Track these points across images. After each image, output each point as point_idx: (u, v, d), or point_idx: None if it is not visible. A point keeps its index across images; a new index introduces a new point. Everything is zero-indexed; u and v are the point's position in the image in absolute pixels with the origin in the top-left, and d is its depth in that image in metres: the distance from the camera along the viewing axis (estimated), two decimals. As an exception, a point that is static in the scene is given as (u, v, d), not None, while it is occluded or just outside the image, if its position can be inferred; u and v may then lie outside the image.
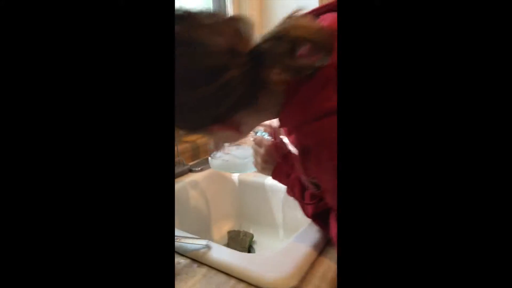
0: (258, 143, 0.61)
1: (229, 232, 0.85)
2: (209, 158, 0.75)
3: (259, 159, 0.61)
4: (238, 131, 0.41)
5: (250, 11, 1.16)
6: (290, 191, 0.59)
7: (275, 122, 0.45)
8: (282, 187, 0.81)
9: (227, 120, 0.39)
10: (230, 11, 1.11)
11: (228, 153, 0.72)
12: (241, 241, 0.83)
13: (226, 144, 0.71)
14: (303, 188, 0.55)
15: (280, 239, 0.84)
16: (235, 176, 0.89)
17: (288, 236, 0.82)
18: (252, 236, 0.84)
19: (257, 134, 0.64)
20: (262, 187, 0.85)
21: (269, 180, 0.83)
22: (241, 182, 0.89)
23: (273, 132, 0.61)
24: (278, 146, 0.59)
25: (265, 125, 0.62)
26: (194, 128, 0.41)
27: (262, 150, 0.60)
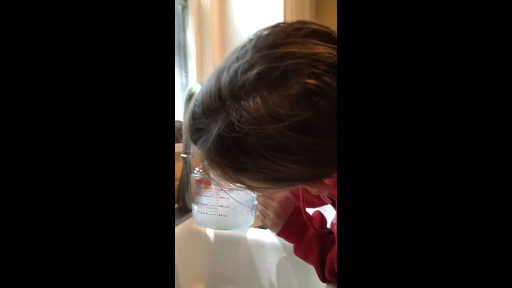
0: (270, 195, 0.53)
1: (205, 299, 0.72)
2: (194, 210, 0.65)
3: (271, 214, 0.53)
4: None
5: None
6: (303, 252, 0.51)
7: None
8: (266, 241, 0.73)
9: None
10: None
11: (220, 206, 0.62)
12: (220, 309, 0.70)
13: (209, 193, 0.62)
14: (322, 247, 0.49)
15: (265, 302, 0.73)
16: (210, 231, 0.78)
17: (274, 297, 0.72)
18: (233, 302, 0.72)
19: None
20: (243, 243, 0.75)
21: (252, 234, 0.74)
22: (217, 236, 0.77)
23: None
24: (291, 198, 0.52)
25: None
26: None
27: (275, 204, 0.52)
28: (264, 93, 0.28)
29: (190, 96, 0.75)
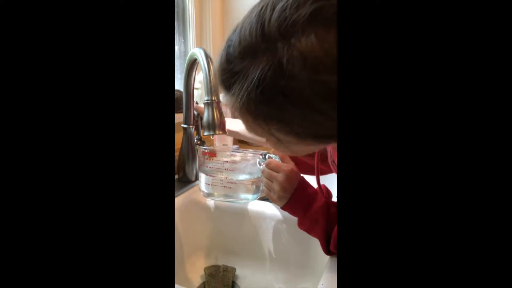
0: (275, 168, 0.52)
1: (206, 269, 0.72)
2: (201, 182, 0.63)
3: (276, 187, 0.51)
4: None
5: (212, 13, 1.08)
6: (308, 225, 0.51)
7: None
8: (267, 213, 0.72)
9: None
10: (192, 13, 1.02)
11: (225, 178, 0.61)
12: (222, 278, 0.70)
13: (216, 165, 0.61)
14: (328, 219, 0.48)
15: (266, 271, 0.73)
16: (211, 202, 0.77)
17: (275, 268, 0.73)
18: (235, 271, 0.72)
19: (266, 156, 0.55)
20: (242, 213, 0.74)
21: (252, 205, 0.73)
22: (217, 206, 0.77)
23: (284, 157, 0.53)
24: (296, 171, 0.51)
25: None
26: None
27: (280, 176, 0.51)
28: (320, 31, 0.24)
29: (191, 63, 0.72)
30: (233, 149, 0.70)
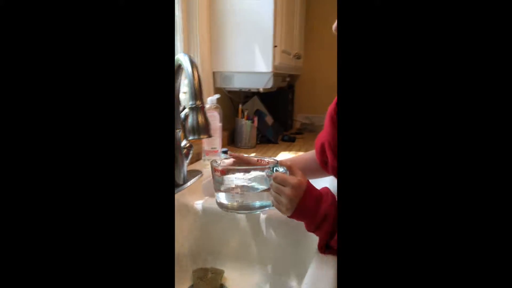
0: (281, 182, 0.53)
1: (194, 272, 0.72)
2: (218, 195, 0.63)
3: (284, 200, 0.53)
4: None
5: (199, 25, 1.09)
6: (314, 225, 0.53)
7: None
8: (255, 215, 0.73)
9: None
10: (179, 24, 1.03)
11: (241, 191, 0.62)
12: (210, 281, 0.71)
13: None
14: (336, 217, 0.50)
15: (254, 273, 0.74)
16: (199, 205, 0.78)
17: (263, 270, 0.73)
18: (223, 273, 0.73)
19: (274, 169, 0.56)
20: (230, 216, 0.75)
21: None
22: (206, 210, 0.78)
23: (291, 167, 0.55)
24: (302, 182, 0.53)
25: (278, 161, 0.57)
26: None
27: (287, 190, 0.53)
28: None
29: (176, 68, 0.73)
30: (228, 155, 0.70)
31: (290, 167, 0.56)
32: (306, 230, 0.55)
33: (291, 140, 1.51)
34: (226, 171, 0.63)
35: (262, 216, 0.71)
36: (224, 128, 1.33)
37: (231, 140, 1.43)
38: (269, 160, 0.65)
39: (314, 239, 0.56)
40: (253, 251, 0.75)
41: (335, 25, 0.52)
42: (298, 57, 1.51)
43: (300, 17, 1.59)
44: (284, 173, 0.55)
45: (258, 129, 1.40)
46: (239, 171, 0.64)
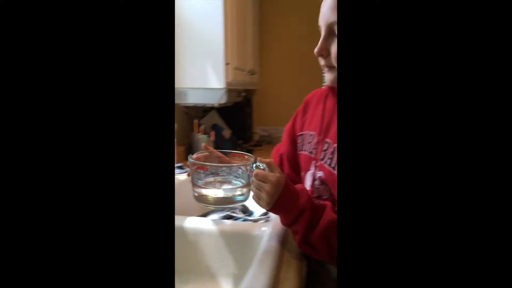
0: (262, 178, 0.57)
1: None
2: (196, 190, 0.66)
3: (264, 196, 0.57)
4: None
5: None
6: (291, 219, 0.58)
7: None
8: (204, 229, 0.75)
9: None
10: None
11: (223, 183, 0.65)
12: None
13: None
14: (313, 211, 0.56)
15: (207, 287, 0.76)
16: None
17: (217, 282, 0.75)
18: None
19: (254, 166, 0.60)
20: (179, 231, 0.77)
21: (189, 223, 0.76)
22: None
23: (270, 164, 0.59)
24: (281, 179, 0.57)
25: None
26: None
27: (267, 186, 0.57)
28: None
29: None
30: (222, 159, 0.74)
31: (269, 164, 0.60)
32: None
33: (249, 152, 1.55)
34: (204, 167, 0.66)
35: (212, 230, 0.74)
36: (180, 143, 1.35)
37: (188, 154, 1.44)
38: (245, 154, 0.70)
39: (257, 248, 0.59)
40: (205, 264, 0.77)
41: (316, 48, 0.57)
42: (252, 73, 1.57)
43: (253, 34, 1.65)
44: (263, 169, 0.59)
45: (215, 143, 1.43)
46: (218, 166, 0.67)
